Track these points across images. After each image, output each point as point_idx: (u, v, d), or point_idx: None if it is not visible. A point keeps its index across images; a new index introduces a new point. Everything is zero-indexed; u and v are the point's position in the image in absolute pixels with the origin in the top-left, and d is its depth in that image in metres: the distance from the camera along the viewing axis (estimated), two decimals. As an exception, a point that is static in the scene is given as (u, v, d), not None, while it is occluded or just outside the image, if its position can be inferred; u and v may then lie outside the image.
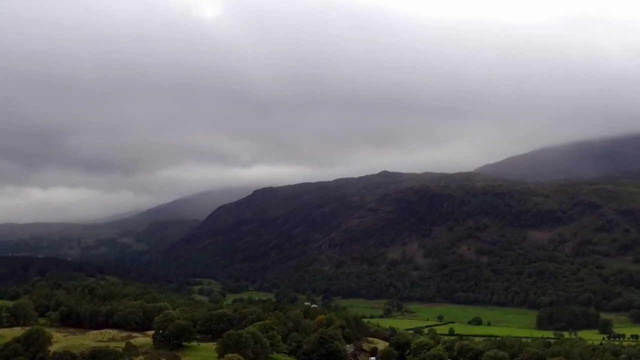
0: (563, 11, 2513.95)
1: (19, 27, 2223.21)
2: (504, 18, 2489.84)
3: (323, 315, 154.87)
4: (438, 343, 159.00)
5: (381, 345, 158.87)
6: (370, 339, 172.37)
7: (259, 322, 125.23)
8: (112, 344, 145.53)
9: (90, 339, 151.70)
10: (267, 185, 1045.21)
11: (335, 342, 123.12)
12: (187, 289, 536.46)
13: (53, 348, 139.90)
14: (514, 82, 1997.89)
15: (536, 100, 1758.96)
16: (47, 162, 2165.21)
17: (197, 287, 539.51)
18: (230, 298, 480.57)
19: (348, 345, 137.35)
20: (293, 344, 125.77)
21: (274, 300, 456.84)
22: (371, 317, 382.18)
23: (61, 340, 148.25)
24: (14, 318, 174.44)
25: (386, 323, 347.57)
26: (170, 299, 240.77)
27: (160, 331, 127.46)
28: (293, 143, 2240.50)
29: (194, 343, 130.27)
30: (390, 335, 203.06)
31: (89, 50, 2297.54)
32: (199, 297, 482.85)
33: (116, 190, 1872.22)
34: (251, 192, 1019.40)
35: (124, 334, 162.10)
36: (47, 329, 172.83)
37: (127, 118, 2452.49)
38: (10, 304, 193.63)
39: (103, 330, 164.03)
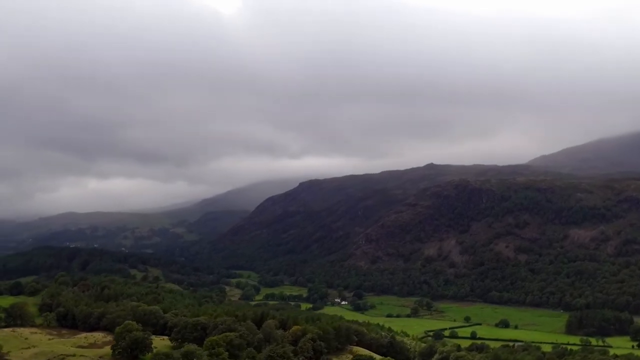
0: (603, 2, 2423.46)
1: (71, 36, 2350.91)
2: (548, 12, 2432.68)
3: (298, 326, 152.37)
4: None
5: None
6: (355, 348, 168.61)
7: (212, 337, 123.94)
8: (88, 351, 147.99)
9: (71, 344, 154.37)
10: (317, 176, 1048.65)
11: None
12: (225, 281, 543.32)
13: (29, 352, 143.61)
14: (563, 74, 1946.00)
15: (588, 91, 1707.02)
16: (102, 153, 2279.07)
17: (234, 280, 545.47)
18: (264, 292, 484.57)
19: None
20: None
21: (305, 295, 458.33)
22: (397, 316, 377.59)
23: (42, 344, 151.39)
24: (12, 318, 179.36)
25: (410, 323, 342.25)
26: (176, 299, 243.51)
27: (120, 342, 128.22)
28: (341, 134, 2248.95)
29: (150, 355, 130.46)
30: (389, 342, 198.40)
31: (128, 50, 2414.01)
32: (235, 291, 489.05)
33: (172, 181, 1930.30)
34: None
35: (109, 338, 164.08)
36: (40, 331, 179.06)
37: (171, 112, 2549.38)
38: (11, 302, 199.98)
39: (88, 334, 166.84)
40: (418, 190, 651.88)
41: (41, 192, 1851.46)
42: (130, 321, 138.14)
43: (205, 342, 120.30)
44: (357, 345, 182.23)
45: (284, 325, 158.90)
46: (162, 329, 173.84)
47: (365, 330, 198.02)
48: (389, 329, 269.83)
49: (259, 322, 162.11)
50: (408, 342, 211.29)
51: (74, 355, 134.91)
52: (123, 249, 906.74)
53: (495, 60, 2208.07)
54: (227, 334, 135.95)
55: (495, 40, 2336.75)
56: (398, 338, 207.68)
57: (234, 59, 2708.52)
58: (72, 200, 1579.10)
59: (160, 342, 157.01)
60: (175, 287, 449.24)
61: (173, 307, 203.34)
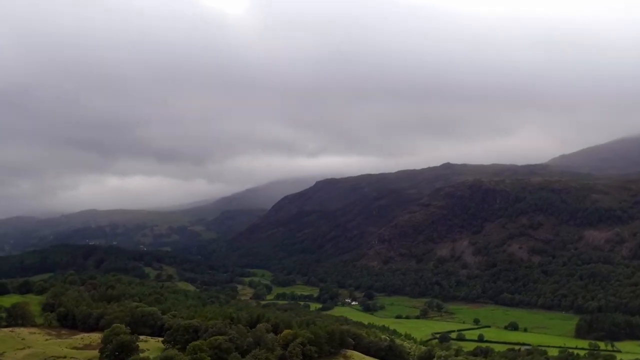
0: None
1: (89, 38, 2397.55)
2: (568, 9, 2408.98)
3: (289, 330, 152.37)
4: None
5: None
6: (350, 352, 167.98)
7: (195, 342, 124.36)
8: (79, 352, 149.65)
9: (66, 345, 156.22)
10: (333, 175, 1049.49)
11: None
12: (238, 280, 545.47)
13: (23, 353, 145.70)
14: (584, 73, 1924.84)
15: (609, 90, 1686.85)
16: (122, 152, 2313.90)
17: (247, 279, 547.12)
18: (275, 292, 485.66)
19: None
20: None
21: (316, 295, 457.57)
22: (407, 317, 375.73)
23: (37, 345, 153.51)
24: (12, 318, 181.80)
25: (419, 325, 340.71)
26: (179, 300, 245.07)
27: (107, 345, 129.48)
28: (358, 133, 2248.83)
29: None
30: (388, 346, 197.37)
31: (142, 51, 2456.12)
32: (247, 290, 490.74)
33: (191, 179, 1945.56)
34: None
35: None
36: (39, 331, 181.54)
37: (188, 111, 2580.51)
38: (16, 300, 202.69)
39: (85, 335, 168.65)
40: (432, 190, 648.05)
41: (62, 190, 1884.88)
42: (119, 324, 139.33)
43: (188, 346, 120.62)
44: (354, 349, 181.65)
45: (276, 329, 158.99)
46: (159, 331, 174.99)
47: (364, 334, 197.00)
48: (394, 331, 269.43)
49: (253, 324, 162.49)
50: (408, 345, 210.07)
51: (64, 357, 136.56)
52: (142, 246, 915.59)
53: (515, 59, 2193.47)
54: (216, 337, 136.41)
55: (514, 39, 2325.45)
56: (398, 341, 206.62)
57: (247, 59, 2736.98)
58: (93, 197, 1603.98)
59: (155, 344, 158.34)
60: (189, 285, 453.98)
61: (174, 308, 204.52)
